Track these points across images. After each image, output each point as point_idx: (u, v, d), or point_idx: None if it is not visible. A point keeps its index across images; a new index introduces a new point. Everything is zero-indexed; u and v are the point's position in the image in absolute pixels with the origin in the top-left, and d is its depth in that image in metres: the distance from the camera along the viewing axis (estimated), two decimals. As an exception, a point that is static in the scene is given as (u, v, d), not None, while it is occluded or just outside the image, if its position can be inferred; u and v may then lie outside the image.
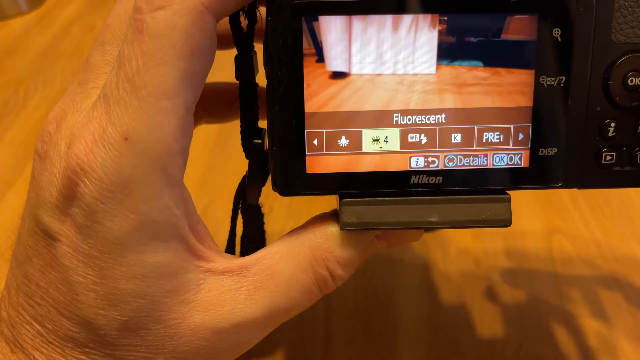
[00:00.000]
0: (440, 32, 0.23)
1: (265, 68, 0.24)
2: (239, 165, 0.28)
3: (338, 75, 0.23)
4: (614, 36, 0.23)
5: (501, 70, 0.23)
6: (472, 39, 0.23)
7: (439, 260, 0.43)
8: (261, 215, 0.30)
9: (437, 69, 0.23)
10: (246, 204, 0.29)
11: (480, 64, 0.23)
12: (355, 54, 0.23)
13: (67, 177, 0.21)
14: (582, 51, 0.23)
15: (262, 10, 0.25)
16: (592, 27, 0.23)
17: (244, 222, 0.30)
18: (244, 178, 0.28)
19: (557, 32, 0.23)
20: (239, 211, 0.30)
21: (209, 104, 0.31)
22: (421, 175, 0.24)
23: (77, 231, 0.21)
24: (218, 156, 0.51)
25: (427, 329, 0.38)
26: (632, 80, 0.24)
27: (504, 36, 0.23)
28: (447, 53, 0.23)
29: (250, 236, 0.30)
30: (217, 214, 0.46)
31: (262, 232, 0.31)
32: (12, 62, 0.66)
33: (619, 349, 0.37)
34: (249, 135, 0.27)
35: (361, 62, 0.23)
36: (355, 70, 0.23)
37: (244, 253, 0.31)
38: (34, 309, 0.22)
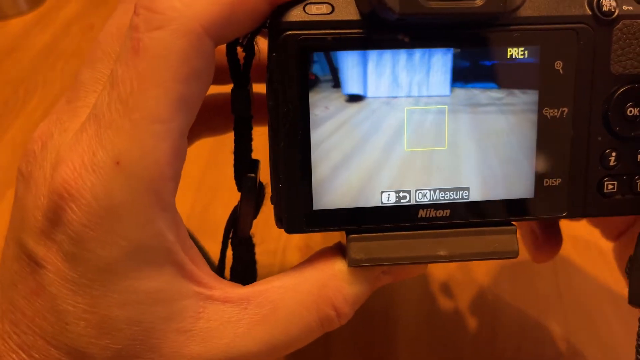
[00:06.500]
0: (454, 56, 0.23)
1: (268, 103, 0.23)
2: (239, 165, 0.28)
3: (354, 99, 0.23)
4: (613, 68, 0.24)
5: (516, 91, 0.23)
6: (487, 62, 0.23)
7: (439, 260, 0.43)
8: (252, 246, 0.29)
9: (452, 91, 0.23)
10: (237, 235, 0.28)
11: (494, 86, 0.23)
12: (370, 77, 0.23)
13: (53, 201, 0.20)
14: (583, 83, 0.24)
15: (260, 42, 0.25)
16: (592, 59, 0.23)
17: (234, 254, 0.29)
18: (235, 209, 0.28)
19: (558, 65, 0.23)
20: (229, 242, 0.29)
21: (209, 118, 0.30)
22: (428, 209, 0.24)
23: (63, 259, 0.21)
24: (217, 156, 0.51)
25: (426, 329, 0.38)
26: (631, 111, 0.24)
27: (513, 56, 0.23)
28: (461, 76, 0.23)
29: (240, 267, 0.29)
30: (217, 214, 0.46)
31: (253, 263, 0.30)
32: (12, 62, 0.65)
33: (619, 349, 0.37)
34: (242, 168, 0.26)
35: (376, 84, 0.23)
36: (371, 93, 0.23)
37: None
38: (19, 338, 0.21)
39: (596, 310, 0.39)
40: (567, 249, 0.43)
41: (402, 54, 0.23)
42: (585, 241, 0.44)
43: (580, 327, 0.38)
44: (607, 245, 0.43)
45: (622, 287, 0.40)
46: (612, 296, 0.40)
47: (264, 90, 0.24)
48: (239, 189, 0.26)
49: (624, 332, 0.38)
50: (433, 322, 0.39)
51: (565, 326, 0.38)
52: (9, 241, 0.22)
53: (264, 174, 0.27)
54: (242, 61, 0.25)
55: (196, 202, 0.47)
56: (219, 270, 0.30)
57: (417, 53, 0.23)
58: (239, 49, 0.25)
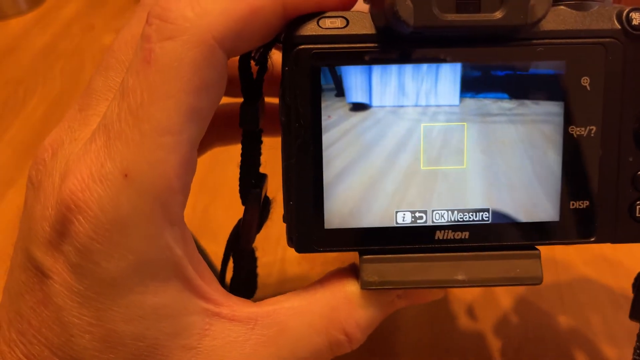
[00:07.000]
0: (469, 68, 0.22)
1: (281, 118, 0.23)
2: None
3: (358, 108, 0.22)
4: None
5: (527, 102, 0.22)
6: (499, 73, 0.22)
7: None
8: (254, 259, 0.29)
9: (461, 101, 0.22)
10: (240, 248, 0.28)
11: (506, 96, 0.22)
12: (376, 86, 0.22)
13: (60, 212, 0.20)
14: (611, 100, 0.22)
15: (274, 57, 0.24)
16: (622, 75, 0.22)
17: (234, 266, 0.29)
18: (239, 222, 0.27)
19: (585, 81, 0.22)
20: (231, 254, 0.29)
21: (221, 128, 0.29)
22: (446, 231, 0.23)
23: (70, 270, 0.20)
24: (219, 156, 0.50)
25: (427, 330, 0.38)
26: None
27: (532, 69, 0.22)
28: (471, 86, 0.22)
29: (241, 279, 0.29)
30: (217, 214, 0.46)
31: (254, 276, 0.30)
32: (12, 62, 0.65)
33: (619, 349, 0.37)
34: (248, 183, 0.26)
35: (382, 94, 0.22)
36: (376, 102, 0.22)
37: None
38: (26, 347, 0.21)
39: (597, 312, 0.39)
40: (568, 250, 0.43)
41: (421, 67, 0.22)
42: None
43: (581, 328, 0.38)
44: (609, 247, 0.43)
45: (623, 289, 0.40)
46: (614, 298, 0.40)
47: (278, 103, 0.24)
48: (243, 203, 0.26)
49: (624, 333, 0.38)
50: (433, 324, 0.39)
51: (565, 327, 0.38)
52: (17, 250, 0.22)
53: (273, 189, 0.27)
54: (255, 75, 0.25)
55: (197, 202, 0.47)
56: (219, 282, 0.30)
57: (440, 66, 0.22)
58: (252, 63, 0.24)
